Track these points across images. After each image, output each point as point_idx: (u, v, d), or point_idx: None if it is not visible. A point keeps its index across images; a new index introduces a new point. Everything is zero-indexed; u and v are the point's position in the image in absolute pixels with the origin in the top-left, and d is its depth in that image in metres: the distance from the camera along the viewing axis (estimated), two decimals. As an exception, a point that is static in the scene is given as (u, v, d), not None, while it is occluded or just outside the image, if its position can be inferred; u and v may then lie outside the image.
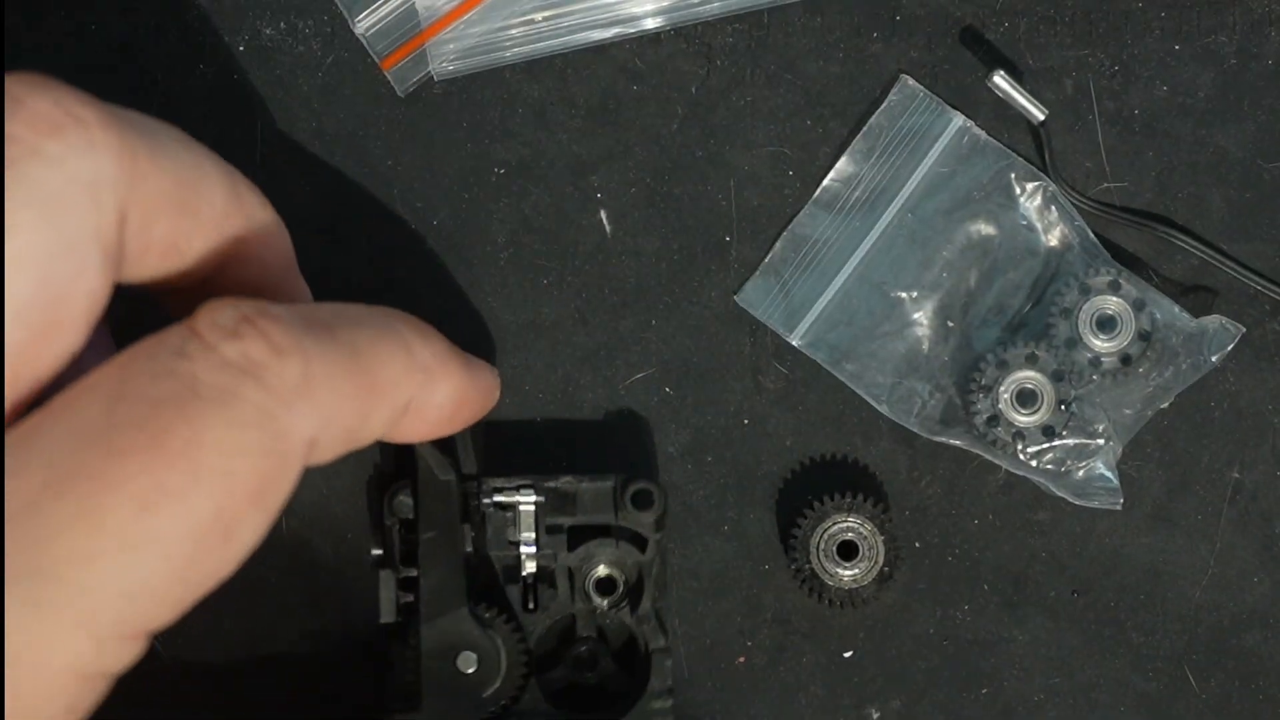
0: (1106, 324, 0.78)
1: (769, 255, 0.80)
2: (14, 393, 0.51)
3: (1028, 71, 0.80)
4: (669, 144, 0.80)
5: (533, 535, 0.74)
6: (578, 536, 0.75)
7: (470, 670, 0.73)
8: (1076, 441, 0.77)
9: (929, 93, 0.80)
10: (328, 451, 0.53)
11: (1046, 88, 0.80)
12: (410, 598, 0.74)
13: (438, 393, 0.59)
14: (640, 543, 0.75)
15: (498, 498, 0.75)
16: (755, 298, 0.79)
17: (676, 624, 0.78)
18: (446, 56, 0.80)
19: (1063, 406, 0.77)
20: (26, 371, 0.51)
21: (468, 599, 0.73)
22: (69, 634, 0.47)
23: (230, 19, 0.81)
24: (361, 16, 0.80)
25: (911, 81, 0.80)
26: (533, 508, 0.74)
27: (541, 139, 0.80)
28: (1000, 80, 0.78)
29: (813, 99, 0.81)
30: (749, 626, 0.78)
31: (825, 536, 0.77)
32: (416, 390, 0.58)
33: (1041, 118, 0.78)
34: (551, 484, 0.75)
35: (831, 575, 0.77)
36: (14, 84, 0.51)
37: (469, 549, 0.74)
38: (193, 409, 0.49)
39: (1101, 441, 0.77)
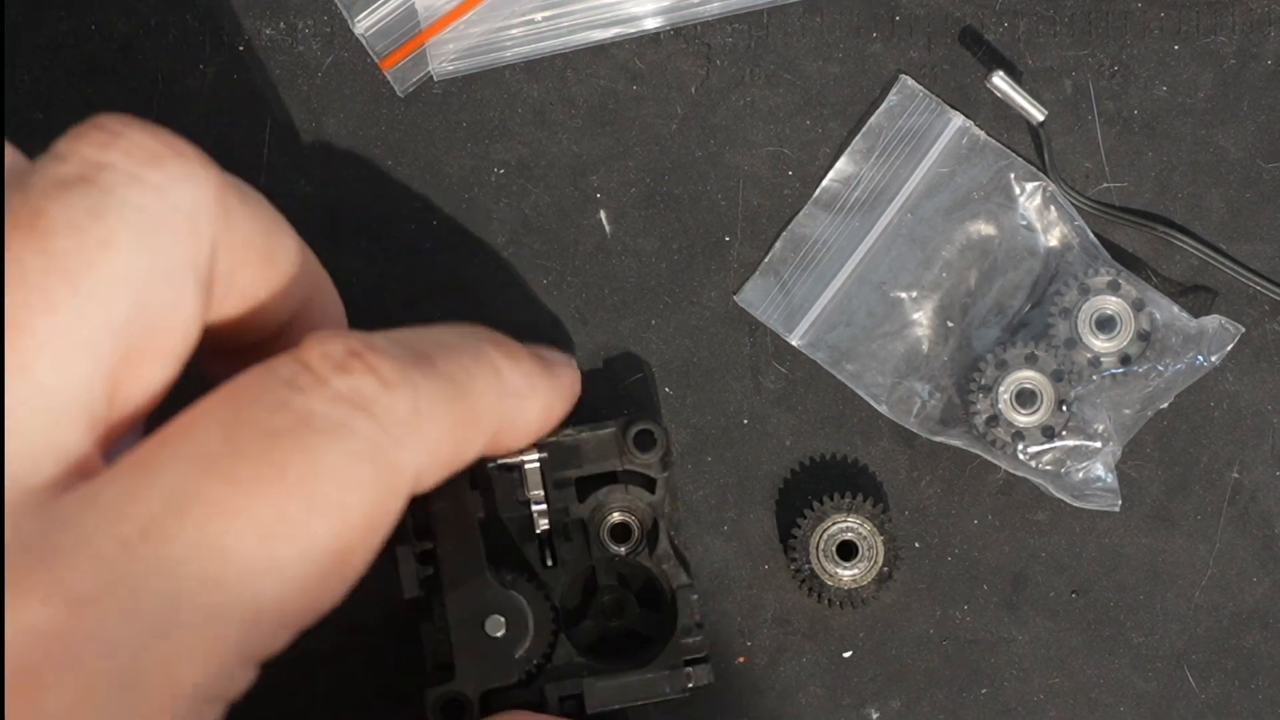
0: (1106, 324, 0.78)
1: (769, 255, 0.80)
2: (109, 416, 0.50)
3: (1027, 71, 0.80)
4: (669, 144, 0.80)
5: (541, 492, 0.75)
6: (586, 487, 0.76)
7: (500, 634, 0.73)
8: (1076, 442, 0.77)
9: (929, 93, 0.80)
10: (429, 480, 0.54)
11: (1046, 88, 0.80)
12: (430, 570, 0.74)
13: (528, 413, 0.60)
14: (649, 484, 0.75)
15: (502, 460, 0.75)
16: (755, 298, 0.79)
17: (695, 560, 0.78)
18: (446, 56, 0.80)
19: (1062, 406, 0.77)
20: (120, 397, 0.51)
21: (487, 564, 0.73)
22: (196, 659, 0.47)
23: (230, 19, 0.81)
24: (361, 16, 0.80)
25: (911, 81, 0.80)
26: (537, 464, 0.75)
27: (541, 139, 0.80)
28: (1000, 80, 0.78)
29: (813, 99, 0.81)
30: (749, 626, 0.78)
31: (825, 536, 0.77)
32: (508, 414, 0.59)
33: (1041, 118, 0.78)
34: (552, 439, 0.75)
35: (831, 575, 0.77)
36: (109, 120, 0.51)
37: (481, 514, 0.75)
38: (310, 442, 0.49)
39: (1100, 443, 0.77)
